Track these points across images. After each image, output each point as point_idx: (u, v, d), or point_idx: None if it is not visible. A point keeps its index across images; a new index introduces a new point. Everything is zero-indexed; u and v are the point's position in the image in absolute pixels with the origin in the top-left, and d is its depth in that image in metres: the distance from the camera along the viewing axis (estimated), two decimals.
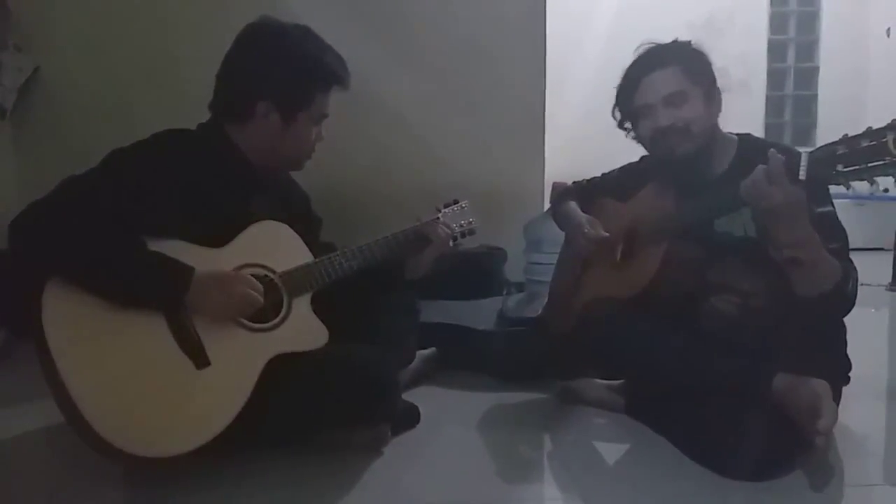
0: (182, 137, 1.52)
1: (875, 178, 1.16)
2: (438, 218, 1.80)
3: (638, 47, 1.65)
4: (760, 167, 1.29)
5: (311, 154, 1.63)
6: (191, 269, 1.37)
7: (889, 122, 1.12)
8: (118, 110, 2.66)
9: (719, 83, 1.62)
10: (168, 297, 1.37)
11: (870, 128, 1.15)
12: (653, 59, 1.60)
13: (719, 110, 1.61)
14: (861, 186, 1.21)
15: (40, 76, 2.71)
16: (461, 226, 1.83)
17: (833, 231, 1.46)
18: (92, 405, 1.25)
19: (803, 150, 1.27)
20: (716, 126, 1.62)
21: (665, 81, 1.58)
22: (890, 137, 1.10)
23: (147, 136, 1.49)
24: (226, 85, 1.56)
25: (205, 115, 1.59)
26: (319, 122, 1.61)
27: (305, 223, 1.69)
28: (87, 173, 1.41)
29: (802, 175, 1.24)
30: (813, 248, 1.32)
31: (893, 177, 1.14)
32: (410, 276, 1.76)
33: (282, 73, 1.52)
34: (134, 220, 1.37)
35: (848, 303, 1.44)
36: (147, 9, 2.74)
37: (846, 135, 1.18)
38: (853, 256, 1.49)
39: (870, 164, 1.14)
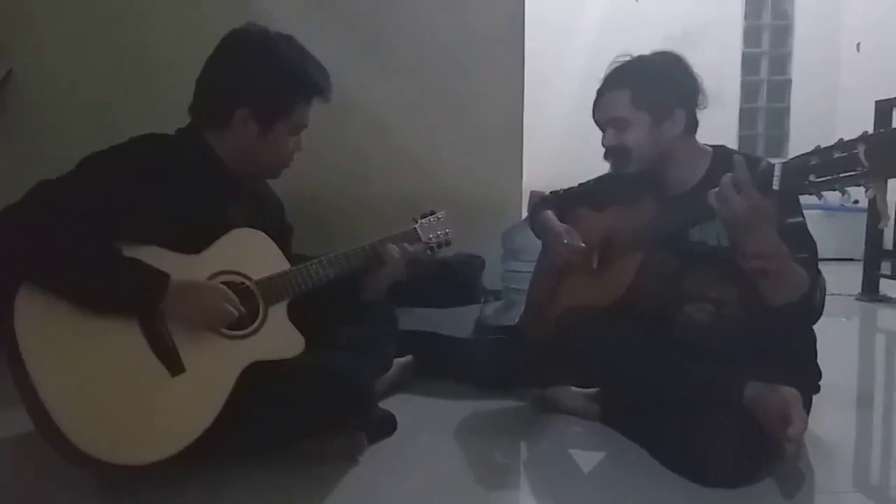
0: (159, 142, 1.50)
1: (846, 189, 1.18)
2: (415, 228, 1.80)
3: (613, 59, 1.69)
4: (728, 176, 1.31)
5: (288, 163, 1.62)
6: (166, 276, 1.36)
7: (860, 133, 1.14)
8: (94, 113, 2.63)
9: (699, 100, 1.64)
10: (143, 303, 1.35)
11: (841, 139, 1.17)
12: (612, 78, 1.67)
13: (680, 129, 1.62)
14: (832, 197, 1.23)
15: (14, 78, 2.67)
16: (437, 236, 1.83)
17: (802, 241, 1.48)
18: (64, 411, 1.22)
19: (776, 161, 1.29)
20: (684, 141, 1.64)
21: (612, 105, 1.65)
22: (861, 149, 1.12)
23: (123, 139, 1.47)
24: (205, 90, 1.55)
25: (182, 120, 1.57)
26: (298, 132, 1.59)
27: (277, 231, 1.67)
28: (62, 178, 1.39)
29: (776, 185, 1.25)
30: (780, 259, 1.34)
31: (865, 187, 1.16)
32: (368, 297, 1.73)
33: (261, 81, 1.51)
34: (109, 225, 1.35)
35: (815, 313, 1.46)
36: (124, 11, 2.71)
37: (819, 146, 1.20)
38: (824, 267, 1.52)
39: (842, 175, 1.15)
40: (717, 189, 1.32)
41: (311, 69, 1.55)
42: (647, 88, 1.61)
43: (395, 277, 1.71)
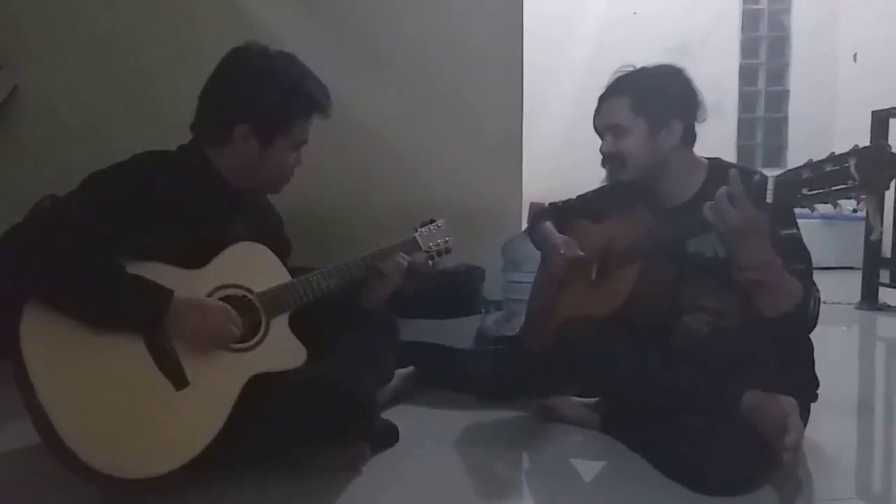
0: (162, 159, 1.52)
1: (838, 202, 1.20)
2: (415, 237, 1.82)
3: (617, 69, 1.72)
4: (723, 189, 1.33)
5: (289, 178, 1.63)
6: (170, 293, 1.37)
7: (851, 147, 1.17)
8: (97, 129, 2.65)
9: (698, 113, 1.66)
10: (147, 319, 1.36)
11: (833, 153, 1.19)
12: (614, 86, 1.69)
13: (676, 140, 1.63)
14: (827, 208, 1.26)
15: (19, 94, 2.70)
16: (437, 244, 1.85)
17: (797, 253, 1.50)
18: (70, 427, 1.24)
19: (770, 174, 1.31)
20: (680, 153, 1.65)
21: (611, 111, 1.68)
22: (852, 162, 1.14)
23: (126, 155, 1.50)
24: (207, 107, 1.57)
25: (184, 136, 1.59)
26: (298, 147, 1.60)
27: (276, 245, 1.68)
28: (66, 196, 1.41)
29: (769, 199, 1.28)
30: (774, 271, 1.36)
31: (856, 200, 1.18)
32: (366, 307, 1.74)
33: (261, 97, 1.52)
34: (113, 242, 1.37)
35: (810, 322, 1.48)
36: (127, 28, 2.74)
37: (811, 160, 1.22)
38: (823, 275, 1.53)
39: (833, 188, 1.17)
40: (712, 202, 1.35)
41: (311, 86, 1.57)
42: (647, 97, 1.63)
43: (393, 288, 1.73)
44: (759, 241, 1.33)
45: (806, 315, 1.44)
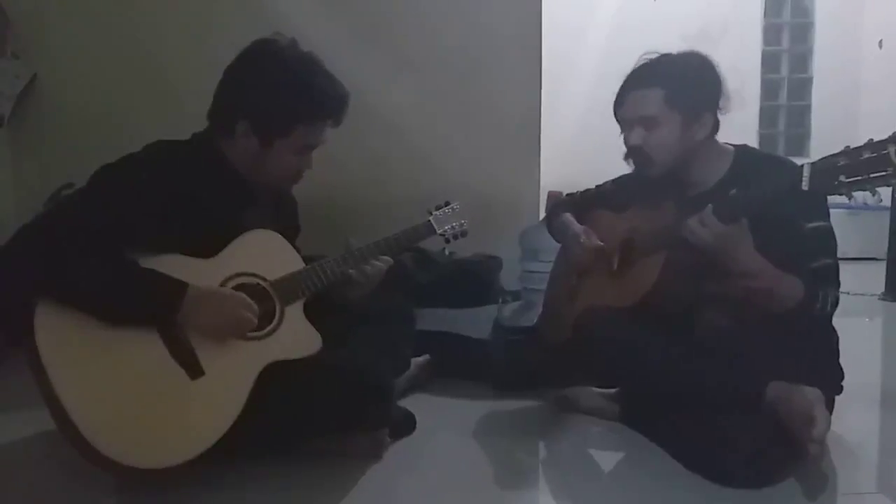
0: (173, 148, 1.51)
1: (876, 189, 1.18)
2: (429, 221, 1.79)
3: (641, 56, 1.65)
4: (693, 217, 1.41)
5: (296, 179, 1.60)
6: (184, 285, 1.36)
7: (890, 134, 1.15)
8: (115, 117, 2.66)
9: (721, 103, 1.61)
10: (161, 314, 1.36)
11: (871, 140, 1.17)
12: (643, 75, 1.61)
13: (707, 133, 1.59)
14: (856, 195, 1.23)
15: (38, 83, 2.72)
16: (453, 228, 1.83)
17: (820, 248, 1.49)
18: (86, 418, 1.24)
19: (802, 162, 1.29)
20: (706, 142, 1.61)
21: (643, 103, 1.59)
22: (891, 149, 1.13)
23: (141, 145, 1.48)
24: (218, 97, 1.54)
25: (201, 125, 1.58)
26: (304, 152, 1.55)
27: (288, 229, 1.66)
28: (78, 191, 1.40)
29: (805, 186, 1.26)
30: (765, 278, 1.40)
31: (894, 187, 1.17)
32: (341, 301, 1.67)
33: (263, 97, 1.48)
34: (125, 235, 1.37)
35: (812, 321, 1.49)
36: (145, 17, 2.74)
37: (848, 146, 1.21)
38: (847, 266, 1.50)
39: (871, 175, 1.16)
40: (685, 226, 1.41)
41: (322, 92, 1.51)
42: (682, 89, 1.57)
43: (368, 290, 1.65)
44: (744, 252, 1.39)
45: (809, 314, 1.45)
